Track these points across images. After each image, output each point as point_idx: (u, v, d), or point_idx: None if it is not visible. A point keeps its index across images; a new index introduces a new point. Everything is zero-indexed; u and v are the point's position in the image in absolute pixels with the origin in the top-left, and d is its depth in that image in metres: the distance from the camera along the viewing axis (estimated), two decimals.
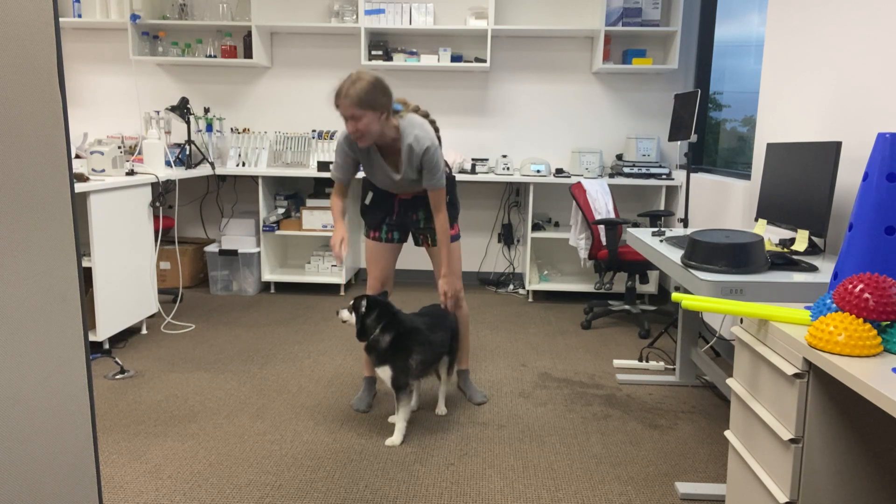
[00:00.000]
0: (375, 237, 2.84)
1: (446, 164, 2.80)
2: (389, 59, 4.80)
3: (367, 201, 2.85)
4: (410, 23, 4.67)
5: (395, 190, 2.74)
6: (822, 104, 2.62)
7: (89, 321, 3.34)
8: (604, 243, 4.05)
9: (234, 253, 4.66)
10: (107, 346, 3.44)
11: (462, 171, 4.74)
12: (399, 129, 2.56)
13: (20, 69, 1.17)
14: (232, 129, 4.99)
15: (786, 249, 2.43)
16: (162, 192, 3.85)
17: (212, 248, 4.69)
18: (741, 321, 1.71)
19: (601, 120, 4.99)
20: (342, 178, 2.70)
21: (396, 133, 2.57)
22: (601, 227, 4.07)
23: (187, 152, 4.52)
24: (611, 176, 4.70)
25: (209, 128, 4.84)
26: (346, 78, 2.43)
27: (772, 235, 2.98)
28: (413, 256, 5.25)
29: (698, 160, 4.74)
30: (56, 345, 1.28)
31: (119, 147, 3.62)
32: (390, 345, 2.50)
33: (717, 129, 4.65)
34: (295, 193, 5.03)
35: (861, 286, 1.35)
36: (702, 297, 1.59)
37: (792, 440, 1.43)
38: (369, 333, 2.51)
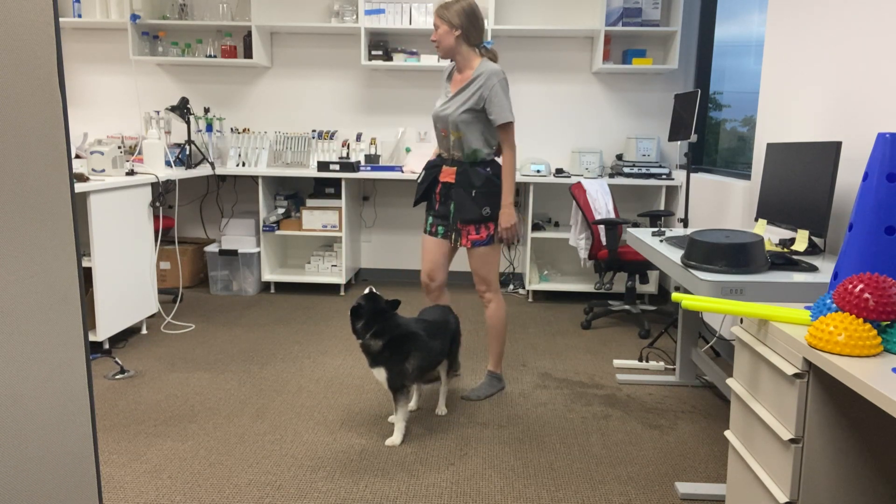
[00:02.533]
0: (424, 227, 3.00)
1: (493, 171, 2.84)
2: (389, 59, 4.80)
3: (419, 179, 2.98)
4: (410, 23, 4.67)
5: (441, 121, 2.83)
6: (822, 104, 2.62)
7: (89, 321, 3.34)
8: (604, 243, 4.05)
9: (234, 253, 4.66)
10: (107, 346, 3.44)
11: None
12: (479, 63, 2.78)
13: (20, 69, 1.17)
14: (232, 129, 4.99)
15: (786, 249, 2.43)
16: (162, 192, 3.85)
17: (212, 248, 4.69)
18: (741, 321, 1.71)
19: (601, 120, 4.99)
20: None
21: (472, 64, 2.79)
22: (601, 227, 4.07)
23: (187, 152, 4.52)
24: (611, 176, 4.70)
25: (209, 128, 4.84)
26: None
27: (772, 235, 2.98)
28: (412, 257, 5.25)
29: (698, 160, 4.74)
30: (56, 345, 1.28)
31: (119, 147, 3.62)
32: (384, 348, 2.48)
33: (717, 129, 4.65)
34: (295, 193, 5.03)
35: (861, 286, 1.35)
36: (702, 297, 1.59)
37: (792, 440, 1.43)
38: (360, 337, 2.51)
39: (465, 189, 2.80)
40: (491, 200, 2.81)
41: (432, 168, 2.93)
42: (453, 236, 2.88)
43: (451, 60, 2.83)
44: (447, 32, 2.73)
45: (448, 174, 2.86)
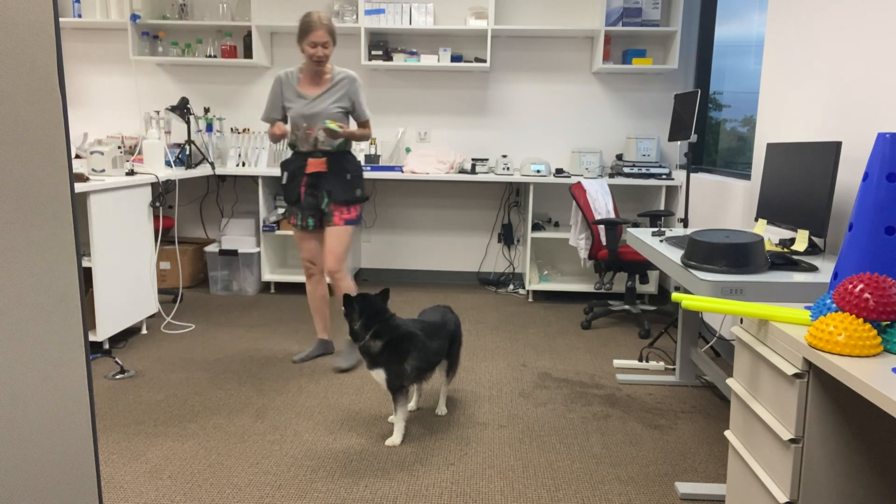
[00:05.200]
0: (294, 223, 3.28)
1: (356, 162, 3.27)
2: (389, 59, 4.79)
3: (284, 181, 3.26)
4: (410, 23, 4.67)
5: (308, 118, 3.13)
6: (822, 104, 2.62)
7: (89, 321, 3.34)
8: (604, 243, 4.05)
9: (234, 253, 4.66)
10: (107, 346, 3.44)
11: (462, 171, 4.75)
12: (332, 67, 3.18)
13: (20, 69, 1.17)
14: (232, 129, 4.99)
15: (786, 249, 2.43)
16: (162, 192, 3.85)
17: (212, 248, 4.69)
18: (741, 321, 1.71)
19: (601, 120, 4.99)
20: (273, 118, 3.20)
21: (328, 68, 3.16)
22: (601, 227, 4.07)
23: (187, 152, 4.52)
24: (611, 176, 4.70)
25: (209, 128, 4.84)
26: (312, 12, 3.05)
27: (772, 235, 2.98)
28: (412, 257, 5.25)
29: (698, 160, 4.74)
30: (56, 345, 1.28)
31: (119, 147, 3.62)
32: (383, 349, 2.48)
33: (717, 129, 4.65)
34: None
35: (861, 286, 1.35)
36: (702, 297, 1.59)
37: (792, 440, 1.43)
38: (360, 338, 2.51)
39: (340, 175, 3.17)
40: (361, 183, 3.21)
41: (292, 164, 3.22)
42: (327, 219, 3.20)
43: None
44: (331, 50, 3.10)
45: (316, 165, 3.16)
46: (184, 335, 3.77)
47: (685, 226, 3.62)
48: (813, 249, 2.41)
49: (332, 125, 3.01)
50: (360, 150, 4.95)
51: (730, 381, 1.77)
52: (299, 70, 3.18)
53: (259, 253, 4.71)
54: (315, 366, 3.31)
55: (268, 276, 4.77)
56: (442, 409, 2.79)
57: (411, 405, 2.82)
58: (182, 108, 4.42)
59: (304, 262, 3.32)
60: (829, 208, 2.26)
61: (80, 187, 3.11)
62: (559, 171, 4.74)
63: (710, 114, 4.69)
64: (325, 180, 3.16)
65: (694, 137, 3.43)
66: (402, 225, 5.22)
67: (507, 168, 4.68)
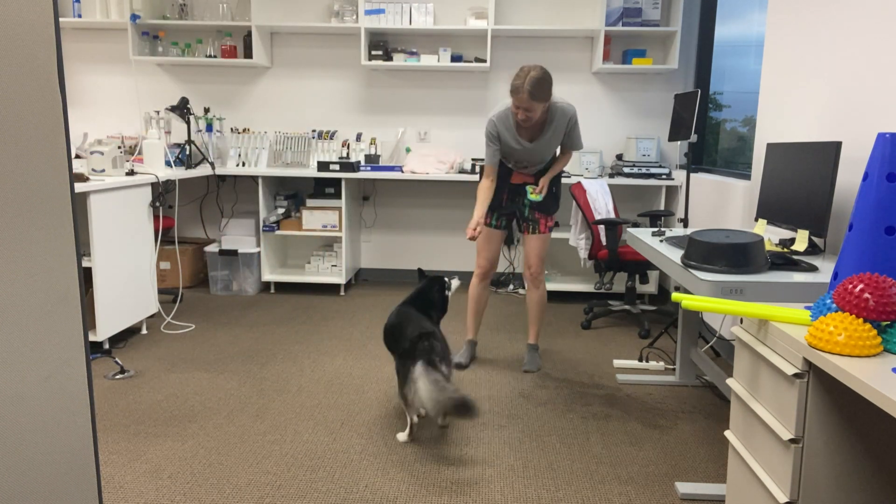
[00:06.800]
0: (487, 223, 3.31)
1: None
2: (389, 59, 4.80)
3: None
4: (410, 23, 4.67)
5: (524, 161, 3.20)
6: (822, 104, 2.62)
7: (89, 321, 3.34)
8: (604, 243, 4.05)
9: (234, 253, 4.66)
10: (107, 346, 3.44)
11: (462, 171, 4.74)
12: (546, 106, 3.06)
13: (20, 69, 1.17)
14: (232, 129, 4.99)
15: (786, 249, 2.43)
16: (162, 192, 3.85)
17: (212, 248, 4.69)
18: (741, 321, 1.71)
19: (601, 120, 4.99)
20: (494, 162, 3.18)
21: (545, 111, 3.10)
22: (601, 227, 4.07)
23: (187, 152, 4.52)
24: (611, 176, 4.70)
25: (209, 128, 4.84)
26: (521, 72, 2.92)
27: (772, 235, 2.98)
28: (412, 257, 5.25)
29: (698, 160, 4.74)
30: (56, 345, 1.28)
31: (119, 147, 3.62)
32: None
33: (717, 129, 4.65)
34: (295, 193, 5.03)
35: (861, 286, 1.35)
36: (702, 297, 1.59)
37: (792, 440, 1.43)
38: None
39: (548, 189, 3.29)
40: (559, 200, 3.35)
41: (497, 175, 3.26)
42: (531, 227, 3.29)
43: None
44: (542, 108, 2.99)
45: (523, 177, 3.27)
46: (184, 335, 3.77)
47: (685, 226, 3.62)
48: (813, 249, 2.41)
49: (534, 196, 3.16)
50: (359, 151, 4.96)
51: (730, 381, 1.77)
52: (511, 111, 3.07)
53: (259, 253, 4.71)
54: (315, 365, 3.31)
55: (268, 276, 4.77)
56: None
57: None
58: (182, 108, 4.42)
59: (480, 263, 3.34)
60: (829, 208, 2.26)
61: (80, 187, 3.11)
62: None
63: (710, 114, 4.69)
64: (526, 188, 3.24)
65: (694, 137, 3.43)
66: (402, 225, 5.22)
67: None
